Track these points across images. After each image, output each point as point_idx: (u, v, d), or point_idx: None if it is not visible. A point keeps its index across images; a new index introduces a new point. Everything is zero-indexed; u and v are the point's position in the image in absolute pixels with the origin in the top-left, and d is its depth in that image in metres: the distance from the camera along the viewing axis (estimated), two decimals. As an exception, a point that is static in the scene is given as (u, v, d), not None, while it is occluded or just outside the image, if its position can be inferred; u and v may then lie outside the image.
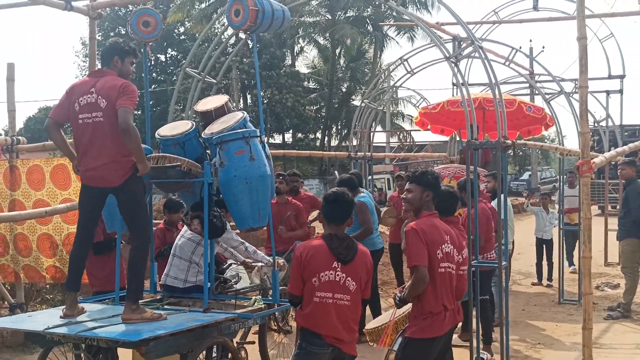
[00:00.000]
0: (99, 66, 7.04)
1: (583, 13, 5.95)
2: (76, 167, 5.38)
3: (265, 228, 6.44)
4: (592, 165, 5.81)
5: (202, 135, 5.99)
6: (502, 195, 7.13)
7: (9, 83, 8.63)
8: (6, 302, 8.78)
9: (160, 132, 6.19)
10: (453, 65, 6.93)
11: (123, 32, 39.94)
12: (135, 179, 5.23)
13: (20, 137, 8.60)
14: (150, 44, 6.53)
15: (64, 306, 5.45)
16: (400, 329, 5.09)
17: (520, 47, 11.67)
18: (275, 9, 6.13)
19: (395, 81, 12.49)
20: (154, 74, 41.24)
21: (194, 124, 6.25)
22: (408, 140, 38.34)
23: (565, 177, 11.83)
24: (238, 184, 5.57)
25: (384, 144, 38.64)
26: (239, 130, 5.69)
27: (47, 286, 9.47)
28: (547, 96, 10.90)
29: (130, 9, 38.05)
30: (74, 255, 5.46)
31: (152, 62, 40.63)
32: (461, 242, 5.06)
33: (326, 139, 41.90)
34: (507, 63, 10.77)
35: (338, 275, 4.48)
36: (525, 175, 45.29)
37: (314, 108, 41.27)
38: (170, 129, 6.16)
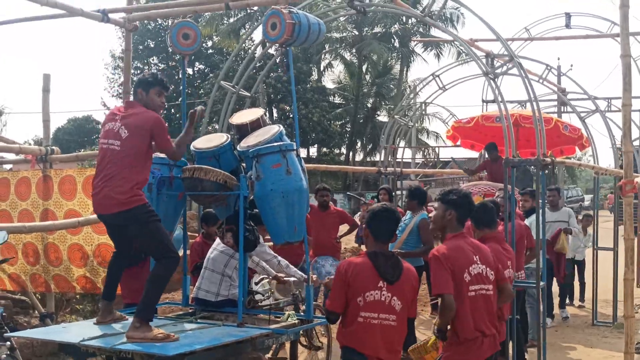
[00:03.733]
0: (134, 79, 7.07)
1: (627, 30, 5.84)
2: None
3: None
4: (635, 184, 5.67)
5: (238, 148, 5.96)
6: (541, 214, 6.99)
7: (44, 94, 8.70)
8: (37, 312, 8.80)
9: (195, 144, 6.17)
10: (491, 81, 6.84)
11: (152, 46, 40.39)
12: (139, 212, 5.05)
13: (54, 147, 8.65)
14: (189, 56, 6.51)
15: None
16: (441, 345, 4.97)
17: (548, 66, 11.54)
18: (312, 22, 6.08)
19: (426, 97, 12.42)
20: (180, 87, 41.49)
21: (229, 136, 6.23)
22: (432, 156, 38.25)
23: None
24: (274, 198, 5.52)
25: (409, 160, 38.53)
26: (276, 144, 5.64)
27: (77, 296, 9.48)
28: (581, 115, 10.76)
29: (159, 22, 38.57)
30: (110, 265, 5.47)
31: (180, 75, 40.93)
32: (496, 257, 4.95)
33: (351, 154, 41.84)
34: (540, 80, 10.68)
35: (384, 295, 4.37)
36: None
37: (339, 123, 41.26)
38: (206, 142, 6.14)
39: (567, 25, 13.80)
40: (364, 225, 4.59)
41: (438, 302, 4.73)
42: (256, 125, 6.17)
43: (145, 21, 37.06)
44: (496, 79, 7.04)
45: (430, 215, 4.95)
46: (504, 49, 13.17)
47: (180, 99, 38.81)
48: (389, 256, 4.48)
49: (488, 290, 4.60)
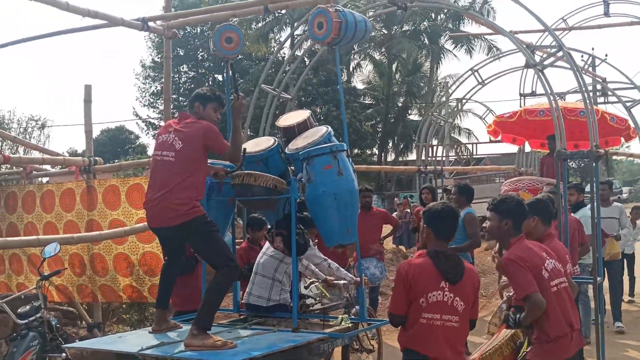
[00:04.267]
0: (173, 86, 7.09)
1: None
2: None
3: None
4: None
5: (286, 150, 5.88)
6: (595, 207, 6.80)
7: (86, 104, 8.70)
8: (84, 322, 8.83)
9: (242, 148, 6.10)
10: (540, 73, 6.68)
11: (181, 54, 40.65)
12: (199, 222, 5.02)
13: (97, 158, 8.65)
14: (232, 60, 6.46)
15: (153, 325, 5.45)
16: (506, 352, 4.84)
17: (590, 55, 11.29)
18: (358, 20, 5.99)
19: (463, 94, 12.24)
20: (207, 87, 41.57)
21: (276, 140, 6.15)
22: (465, 153, 37.92)
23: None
24: (326, 200, 5.41)
25: (443, 158, 38.17)
26: (326, 145, 5.55)
27: (124, 305, 9.49)
28: (627, 104, 10.51)
29: (188, 30, 38.80)
30: (162, 274, 5.47)
31: (210, 82, 41.16)
32: (559, 250, 4.87)
33: (382, 154, 41.64)
34: (583, 71, 10.45)
35: (446, 295, 4.27)
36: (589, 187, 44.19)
37: (370, 123, 41.10)
38: (253, 146, 6.07)
39: (606, 14, 13.46)
40: (423, 225, 4.47)
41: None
42: (303, 127, 6.09)
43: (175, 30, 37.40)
44: (543, 71, 6.87)
45: (484, 225, 4.84)
46: (541, 41, 13.02)
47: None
48: (450, 255, 4.38)
49: (565, 282, 4.51)
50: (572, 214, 8.06)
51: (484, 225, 4.94)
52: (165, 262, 5.47)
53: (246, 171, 5.63)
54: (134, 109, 62.09)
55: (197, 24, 23.64)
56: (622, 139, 11.62)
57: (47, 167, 10.99)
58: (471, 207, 8.43)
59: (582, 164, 50.96)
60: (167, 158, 5.09)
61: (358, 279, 6.37)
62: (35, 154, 9.95)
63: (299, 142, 5.80)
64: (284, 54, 33.49)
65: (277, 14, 34.60)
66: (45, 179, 12.02)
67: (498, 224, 4.62)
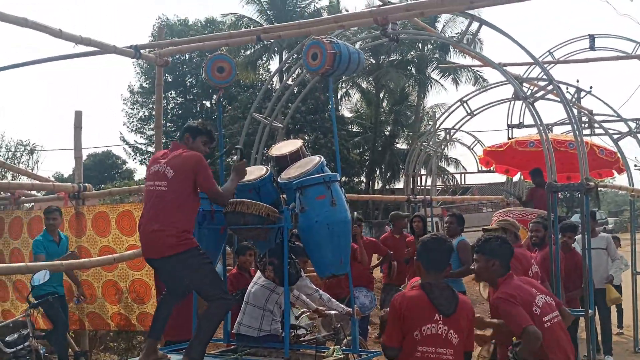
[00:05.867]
0: (164, 114, 7.07)
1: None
2: None
3: None
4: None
5: (279, 180, 5.88)
6: (586, 238, 6.84)
7: (76, 130, 8.68)
8: (71, 350, 8.70)
9: (235, 177, 6.08)
10: (530, 105, 6.75)
11: (169, 80, 40.71)
12: (192, 254, 5.03)
13: (86, 184, 8.60)
14: (223, 89, 6.49)
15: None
16: None
17: (568, 88, 11.42)
18: (352, 52, 6.03)
19: (454, 124, 12.34)
20: (199, 120, 41.61)
21: (268, 168, 6.15)
22: (452, 183, 38.03)
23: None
24: (320, 230, 5.40)
25: (429, 187, 38.23)
26: (320, 175, 5.56)
27: (111, 334, 9.37)
28: (614, 137, 10.62)
29: (176, 56, 38.89)
30: (160, 304, 5.44)
31: (198, 109, 41.22)
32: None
33: (370, 182, 41.72)
34: (571, 104, 10.56)
35: (440, 328, 4.26)
36: (575, 217, 44.31)
37: (358, 151, 41.24)
38: (246, 174, 6.06)
39: (592, 47, 13.62)
40: (414, 258, 4.48)
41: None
42: (296, 156, 6.11)
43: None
44: (534, 104, 6.94)
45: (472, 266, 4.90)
46: (528, 73, 13.15)
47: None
48: (444, 287, 4.38)
49: (558, 316, 4.53)
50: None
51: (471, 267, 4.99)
52: (165, 293, 5.41)
53: (238, 199, 5.62)
54: (121, 134, 61.98)
55: (189, 52, 23.68)
56: (615, 172, 11.72)
57: (34, 192, 10.89)
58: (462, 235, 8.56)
59: (568, 195, 51.44)
60: (160, 188, 5.10)
61: (350, 309, 6.34)
62: (24, 179, 9.85)
63: (291, 172, 5.80)
64: (273, 82, 33.68)
65: (266, 43, 34.81)
66: (31, 205, 11.92)
67: (485, 264, 4.71)
